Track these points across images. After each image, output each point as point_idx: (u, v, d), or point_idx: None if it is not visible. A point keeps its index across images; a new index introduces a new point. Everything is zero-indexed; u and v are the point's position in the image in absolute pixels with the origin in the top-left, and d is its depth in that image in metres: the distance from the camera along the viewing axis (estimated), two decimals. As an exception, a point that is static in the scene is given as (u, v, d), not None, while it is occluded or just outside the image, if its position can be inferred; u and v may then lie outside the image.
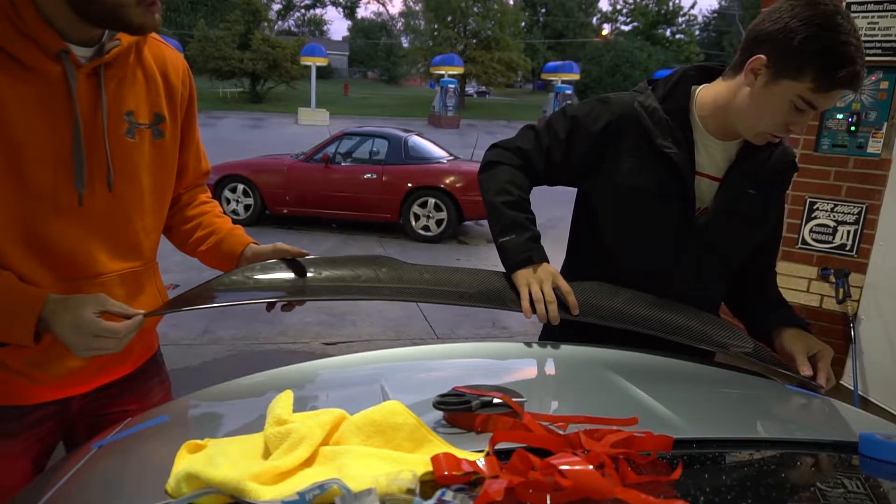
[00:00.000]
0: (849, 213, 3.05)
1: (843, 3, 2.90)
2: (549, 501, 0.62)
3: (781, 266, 3.18)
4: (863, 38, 1.16)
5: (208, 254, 1.35)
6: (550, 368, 1.17)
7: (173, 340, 4.23)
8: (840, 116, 3.01)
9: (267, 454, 0.74)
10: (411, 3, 47.90)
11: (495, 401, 0.81)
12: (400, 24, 59.38)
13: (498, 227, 1.37)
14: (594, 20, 58.30)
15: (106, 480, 0.83)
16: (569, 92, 27.56)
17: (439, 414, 0.83)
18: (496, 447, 0.72)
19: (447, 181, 7.97)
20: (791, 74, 1.17)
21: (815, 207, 3.12)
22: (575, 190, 1.51)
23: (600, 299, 1.31)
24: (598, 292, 1.32)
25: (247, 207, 8.38)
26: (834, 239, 3.10)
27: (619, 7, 55.72)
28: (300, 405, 0.85)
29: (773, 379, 1.22)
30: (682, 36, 53.12)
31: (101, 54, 1.06)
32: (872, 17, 2.88)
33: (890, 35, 2.85)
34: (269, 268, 1.26)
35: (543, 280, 1.28)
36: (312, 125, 24.44)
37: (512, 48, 40.13)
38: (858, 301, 3.05)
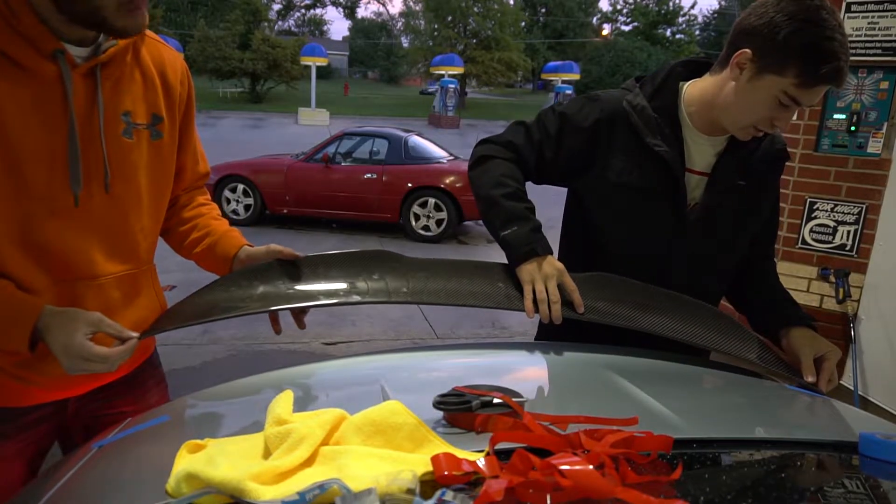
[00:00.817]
0: (849, 213, 3.05)
1: (843, 3, 2.90)
2: (549, 501, 0.62)
3: (782, 266, 3.18)
4: (863, 38, 1.17)
5: (203, 256, 1.34)
6: (550, 368, 1.16)
7: (173, 340, 4.22)
8: (840, 116, 3.01)
9: (267, 454, 0.74)
10: (411, 3, 47.93)
11: (495, 401, 0.81)
12: (400, 24, 59.43)
13: (498, 221, 1.32)
14: (594, 20, 58.30)
15: (106, 480, 0.83)
16: (569, 92, 27.55)
17: (439, 414, 0.83)
18: (496, 447, 0.72)
19: (447, 181, 7.98)
20: (775, 69, 1.17)
21: (815, 207, 3.12)
22: None
23: (604, 300, 1.28)
24: (602, 289, 1.29)
25: (247, 207, 8.38)
26: (834, 239, 3.10)
27: (619, 7, 55.68)
28: (300, 405, 0.85)
29: (773, 379, 1.22)
30: (683, 36, 53.08)
31: (97, 54, 1.05)
32: (872, 17, 2.88)
33: (890, 35, 2.85)
34: (264, 276, 1.22)
35: (549, 276, 1.25)
36: (312, 125, 24.44)
37: (512, 48, 40.13)
38: (858, 301, 3.05)
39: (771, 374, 1.25)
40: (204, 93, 33.12)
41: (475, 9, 40.18)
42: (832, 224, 3.09)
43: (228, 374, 1.11)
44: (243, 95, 37.47)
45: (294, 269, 1.25)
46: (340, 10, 69.35)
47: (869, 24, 2.89)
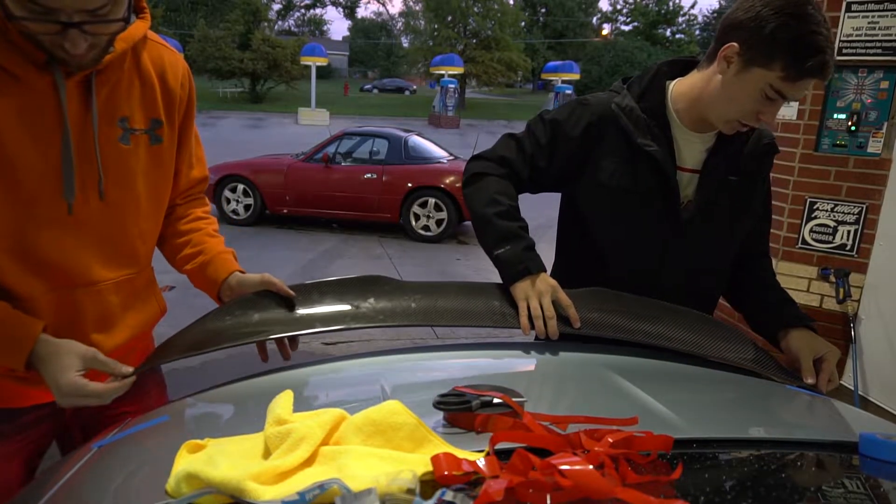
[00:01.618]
0: (849, 213, 3.05)
1: (843, 3, 2.90)
2: (549, 501, 0.62)
3: (782, 266, 3.18)
4: (863, 38, 1.18)
5: (193, 274, 1.31)
6: (550, 368, 1.16)
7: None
8: (840, 116, 3.01)
9: (267, 454, 0.74)
10: (411, 3, 47.98)
11: (495, 401, 0.81)
12: (400, 24, 59.45)
13: (491, 240, 1.33)
14: (594, 20, 58.30)
15: (106, 480, 0.83)
16: (569, 92, 27.56)
17: (439, 414, 0.83)
18: (496, 447, 0.72)
19: (447, 181, 7.98)
20: (762, 62, 1.19)
21: (815, 207, 3.12)
22: None
23: (599, 311, 1.27)
24: (596, 302, 1.29)
25: (247, 207, 8.38)
26: (834, 239, 3.09)
27: (619, 7, 55.70)
28: (300, 405, 0.85)
29: (773, 379, 1.22)
30: (682, 36, 53.09)
31: None
32: (872, 16, 2.88)
33: (890, 35, 2.85)
34: (262, 308, 1.21)
35: (543, 293, 1.25)
36: (312, 125, 24.43)
37: (512, 48, 40.13)
38: (858, 301, 3.05)
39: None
40: (204, 93, 33.11)
41: (475, 9, 40.16)
42: (832, 224, 3.09)
43: (228, 375, 1.11)
44: (243, 95, 37.47)
45: (286, 299, 1.22)
46: (340, 10, 69.42)
47: (869, 24, 2.89)
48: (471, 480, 0.66)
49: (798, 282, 3.18)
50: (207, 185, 1.41)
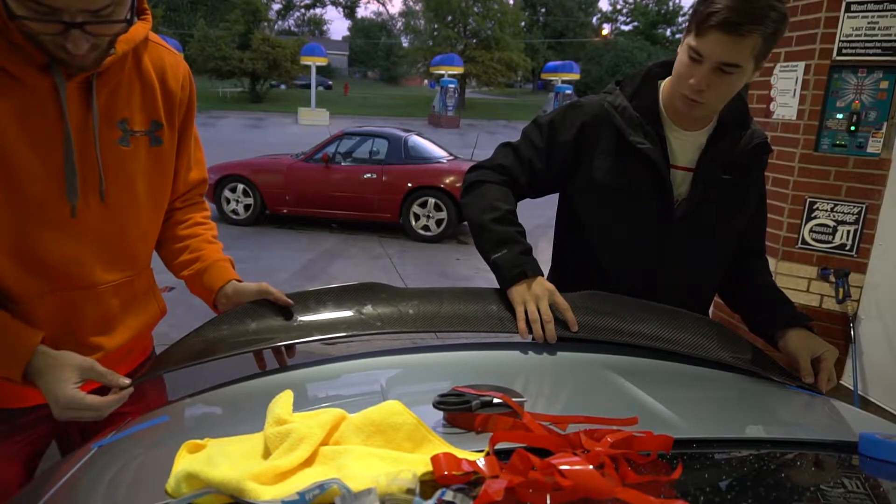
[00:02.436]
0: (849, 213, 3.05)
1: (843, 3, 2.90)
2: (549, 501, 0.62)
3: (782, 266, 3.18)
4: (863, 38, 1.19)
5: (190, 280, 1.30)
6: (550, 368, 1.16)
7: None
8: (840, 116, 3.01)
9: (267, 454, 0.74)
10: (411, 3, 47.95)
11: (495, 401, 0.81)
12: (400, 23, 59.40)
13: (488, 245, 1.34)
14: (594, 20, 58.32)
15: (106, 480, 0.83)
16: (569, 92, 27.58)
17: (439, 414, 0.83)
18: (496, 447, 0.72)
19: (447, 181, 7.97)
20: (687, 31, 1.26)
21: (814, 207, 3.12)
22: None
23: (596, 315, 1.27)
24: (594, 305, 1.29)
25: (247, 207, 8.37)
26: (834, 239, 3.09)
27: (619, 7, 55.73)
28: (300, 405, 0.85)
29: (773, 378, 1.22)
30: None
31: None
32: (872, 16, 2.88)
33: (890, 35, 2.85)
34: (260, 318, 1.20)
35: (540, 297, 1.25)
36: (312, 125, 24.44)
37: (512, 48, 40.11)
38: (858, 301, 3.05)
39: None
40: (204, 93, 33.10)
41: (475, 9, 40.16)
42: (832, 224, 3.09)
43: (228, 375, 1.11)
44: (243, 95, 37.48)
45: (284, 308, 1.22)
46: (340, 9, 69.39)
47: (869, 24, 2.89)
48: (471, 480, 0.66)
49: (798, 282, 3.18)
50: (206, 188, 1.40)
